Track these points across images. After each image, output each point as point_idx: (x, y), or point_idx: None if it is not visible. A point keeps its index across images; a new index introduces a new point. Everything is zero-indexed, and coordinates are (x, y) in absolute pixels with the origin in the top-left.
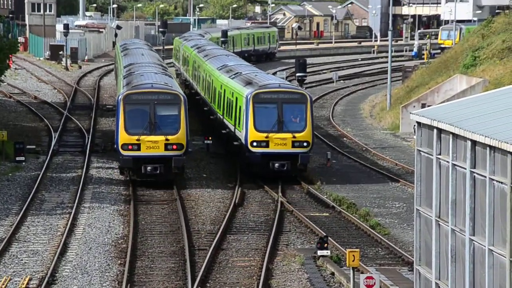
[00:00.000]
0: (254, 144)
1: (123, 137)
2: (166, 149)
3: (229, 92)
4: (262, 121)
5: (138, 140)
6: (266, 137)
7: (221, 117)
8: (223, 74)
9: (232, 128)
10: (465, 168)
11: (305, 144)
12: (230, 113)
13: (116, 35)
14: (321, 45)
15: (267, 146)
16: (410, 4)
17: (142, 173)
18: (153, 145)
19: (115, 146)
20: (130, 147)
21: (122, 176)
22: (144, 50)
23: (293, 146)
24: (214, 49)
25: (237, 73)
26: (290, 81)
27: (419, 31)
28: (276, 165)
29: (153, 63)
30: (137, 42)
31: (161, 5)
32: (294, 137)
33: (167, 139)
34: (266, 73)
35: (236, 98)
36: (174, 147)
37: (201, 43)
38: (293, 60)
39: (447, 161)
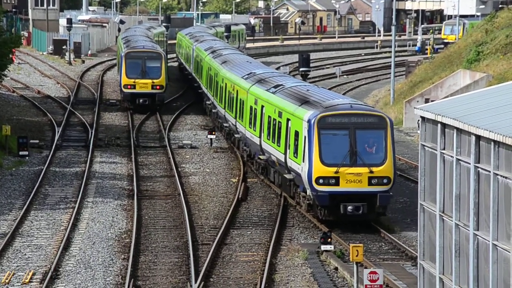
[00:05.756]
0: (320, 181)
1: (124, 80)
2: (152, 88)
3: (272, 110)
4: (330, 152)
5: (134, 82)
6: (336, 172)
7: (255, 137)
8: (255, 86)
9: (278, 154)
10: (469, 163)
11: (385, 180)
12: (275, 137)
13: (119, 29)
14: (324, 40)
15: (336, 183)
16: None
17: (137, 104)
18: (144, 85)
19: (119, 86)
20: (129, 86)
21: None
22: (137, 29)
23: (370, 184)
24: (233, 54)
25: (278, 85)
26: (294, 76)
27: (422, 26)
28: (349, 208)
29: (143, 35)
30: (136, 26)
31: (164, 0)
32: (371, 172)
33: (153, 82)
34: (315, 85)
35: (287, 120)
36: (158, 87)
37: (217, 46)
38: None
39: (451, 156)
